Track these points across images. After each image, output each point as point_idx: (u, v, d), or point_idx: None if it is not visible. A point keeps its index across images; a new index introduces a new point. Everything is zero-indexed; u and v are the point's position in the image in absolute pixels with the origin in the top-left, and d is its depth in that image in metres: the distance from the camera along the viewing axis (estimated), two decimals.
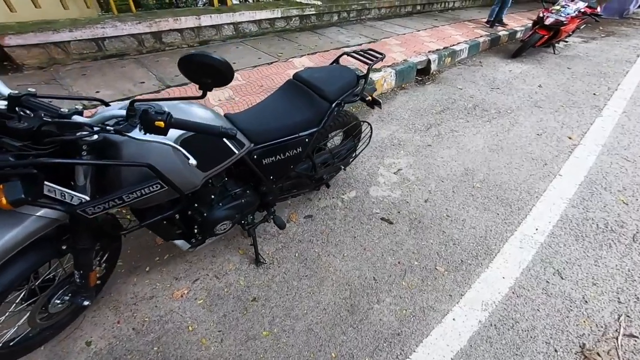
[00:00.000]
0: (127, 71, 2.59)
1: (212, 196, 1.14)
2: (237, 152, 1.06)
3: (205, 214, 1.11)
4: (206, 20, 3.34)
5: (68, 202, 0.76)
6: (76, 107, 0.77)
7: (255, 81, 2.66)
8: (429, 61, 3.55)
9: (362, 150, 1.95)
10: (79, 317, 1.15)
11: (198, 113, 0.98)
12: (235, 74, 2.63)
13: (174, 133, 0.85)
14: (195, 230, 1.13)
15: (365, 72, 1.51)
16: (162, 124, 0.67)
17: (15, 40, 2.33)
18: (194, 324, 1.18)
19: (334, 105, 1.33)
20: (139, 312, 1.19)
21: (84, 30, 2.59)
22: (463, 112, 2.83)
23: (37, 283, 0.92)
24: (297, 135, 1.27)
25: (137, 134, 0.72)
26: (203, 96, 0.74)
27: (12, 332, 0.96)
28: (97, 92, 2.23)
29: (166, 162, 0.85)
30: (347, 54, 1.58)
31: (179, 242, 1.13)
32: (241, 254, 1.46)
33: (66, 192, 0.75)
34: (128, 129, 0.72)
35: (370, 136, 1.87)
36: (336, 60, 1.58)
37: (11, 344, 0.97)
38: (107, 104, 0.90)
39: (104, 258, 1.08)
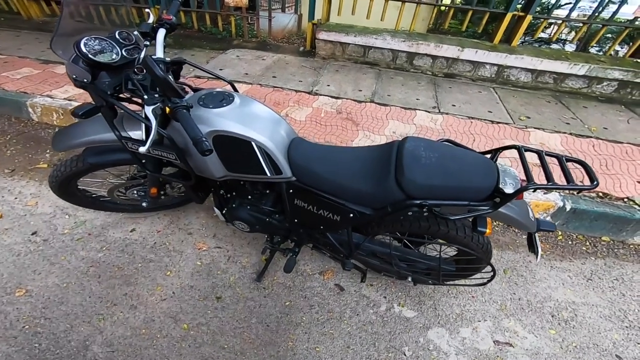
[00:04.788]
0: (361, 79, 3.19)
1: (249, 197, 1.34)
2: (268, 174, 1.11)
3: (233, 204, 1.35)
4: (468, 54, 3.26)
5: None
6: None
7: (463, 132, 2.43)
8: None
9: (471, 285, 1.44)
10: (143, 215, 1.76)
11: (260, 113, 1.10)
12: (428, 114, 2.57)
13: (212, 125, 1.01)
14: (224, 211, 1.41)
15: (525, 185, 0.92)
16: (168, 110, 0.87)
17: (323, 35, 3.49)
18: (172, 270, 1.55)
19: (409, 202, 0.99)
20: (175, 234, 1.71)
21: (362, 37, 3.39)
22: None
23: (129, 174, 1.51)
24: (340, 202, 1.13)
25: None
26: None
27: (96, 189, 1.60)
28: (328, 85, 2.98)
29: (187, 141, 1.04)
30: (522, 149, 1.04)
31: (217, 210, 1.45)
32: (262, 261, 1.63)
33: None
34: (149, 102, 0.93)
35: (489, 281, 1.32)
36: (494, 152, 1.11)
37: (94, 195, 1.61)
38: (233, 86, 1.27)
39: (171, 190, 1.62)
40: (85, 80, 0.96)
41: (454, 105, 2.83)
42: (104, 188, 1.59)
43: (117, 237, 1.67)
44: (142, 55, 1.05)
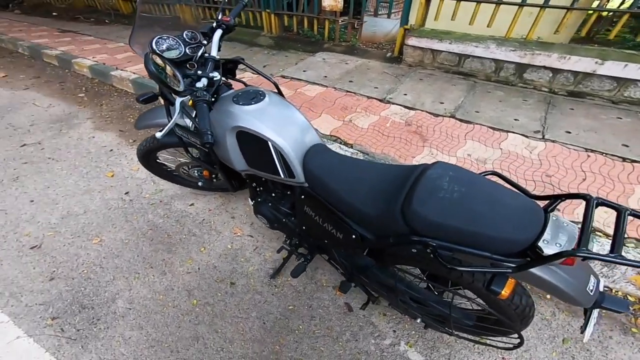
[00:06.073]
0: (448, 90, 2.86)
1: (272, 194, 1.42)
2: (282, 175, 1.14)
3: (258, 198, 1.46)
4: (612, 68, 2.50)
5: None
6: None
7: (570, 167, 1.95)
8: None
9: (488, 344, 1.17)
10: (203, 193, 2.07)
11: (286, 115, 1.16)
12: (524, 139, 2.12)
13: (237, 120, 1.10)
14: (252, 202, 1.52)
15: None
16: (191, 102, 1.01)
17: (413, 41, 3.30)
18: (207, 247, 1.76)
19: (412, 237, 0.87)
20: (221, 215, 1.94)
21: (459, 44, 3.04)
22: None
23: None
24: (345, 220, 1.08)
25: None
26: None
27: (169, 163, 1.87)
28: (405, 94, 2.80)
29: (217, 132, 1.15)
30: (593, 201, 0.74)
31: (250, 201, 1.55)
32: (282, 257, 1.69)
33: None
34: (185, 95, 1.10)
35: (514, 348, 1.05)
36: (555, 198, 0.84)
37: (168, 169, 1.90)
38: (278, 88, 1.31)
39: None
40: None
41: (569, 132, 2.23)
42: (174, 164, 1.94)
43: (178, 207, 2.02)
44: (198, 54, 1.23)
